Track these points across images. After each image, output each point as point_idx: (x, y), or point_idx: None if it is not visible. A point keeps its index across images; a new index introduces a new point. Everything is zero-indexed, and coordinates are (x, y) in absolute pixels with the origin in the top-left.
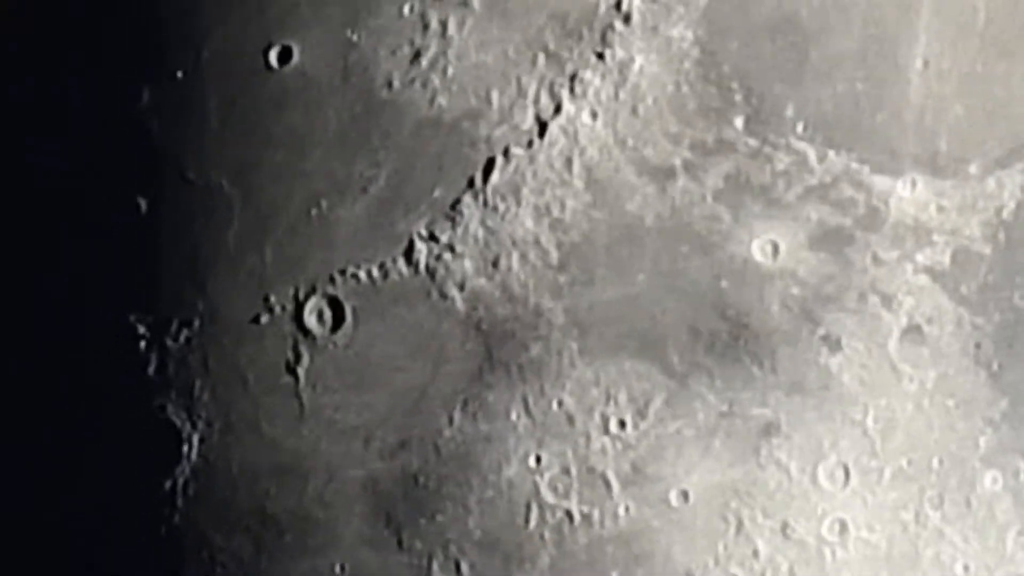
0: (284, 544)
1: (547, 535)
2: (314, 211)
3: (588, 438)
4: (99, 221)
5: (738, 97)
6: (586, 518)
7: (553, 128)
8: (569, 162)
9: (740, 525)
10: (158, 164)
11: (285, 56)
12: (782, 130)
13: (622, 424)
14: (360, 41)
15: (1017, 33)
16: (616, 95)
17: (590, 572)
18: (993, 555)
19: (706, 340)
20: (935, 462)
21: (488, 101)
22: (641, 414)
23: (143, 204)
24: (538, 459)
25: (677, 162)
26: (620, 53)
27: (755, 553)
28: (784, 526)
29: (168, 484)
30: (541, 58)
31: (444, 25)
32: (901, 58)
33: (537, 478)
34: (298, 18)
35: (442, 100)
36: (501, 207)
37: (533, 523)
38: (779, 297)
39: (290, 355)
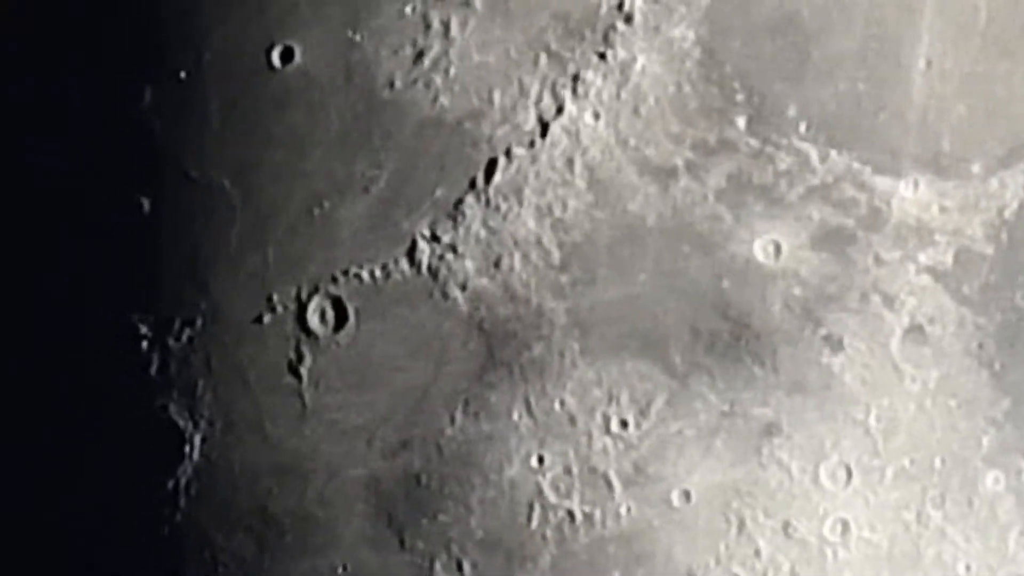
0: (285, 544)
1: (549, 535)
2: (316, 211)
3: (590, 438)
4: (99, 221)
5: (740, 97)
6: (588, 518)
7: (555, 128)
8: (571, 162)
9: (742, 525)
10: (160, 164)
11: (287, 56)
12: (784, 130)
13: (624, 424)
14: (362, 41)
15: (1019, 33)
16: (618, 95)
17: (592, 572)
18: (995, 555)
19: (708, 340)
20: (937, 462)
21: (490, 101)
22: (643, 414)
23: (145, 204)
24: (540, 459)
25: (679, 162)
26: (622, 53)
27: (757, 553)
28: (786, 526)
29: (170, 484)
30: (543, 58)
31: (446, 25)
32: (903, 58)
33: (539, 478)
34: (299, 18)
35: (444, 100)
36: (503, 207)
37: (535, 523)
38: (781, 297)
39: (292, 355)
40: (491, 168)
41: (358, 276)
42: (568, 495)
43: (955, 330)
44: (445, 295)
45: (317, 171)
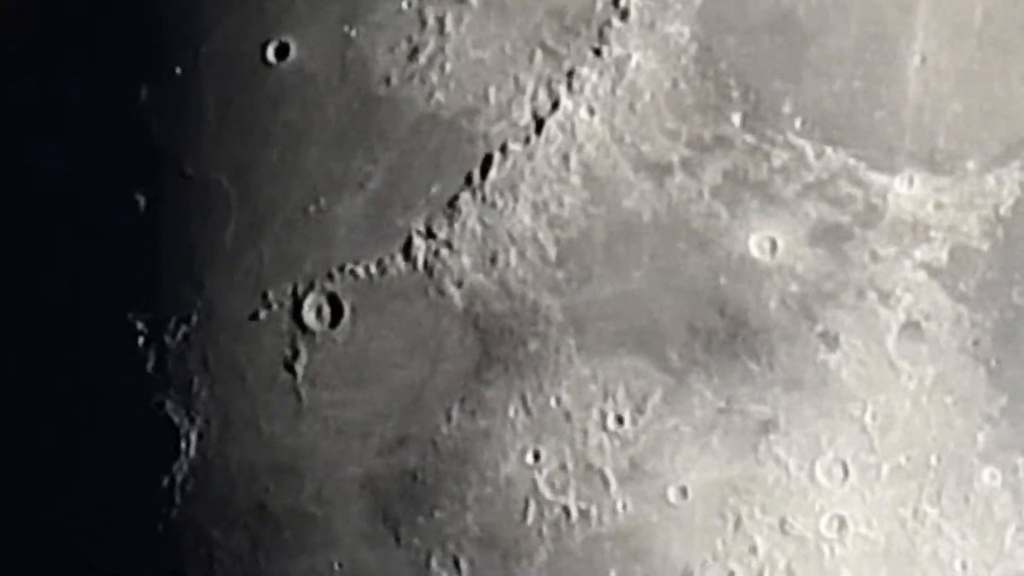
0: (282, 541)
1: (545, 531)
2: (312, 208)
3: (586, 434)
4: (99, 221)
5: (735, 93)
6: (584, 514)
7: (550, 124)
8: (566, 158)
9: (738, 521)
10: (156, 161)
11: (283, 52)
12: (780, 126)
13: (620, 420)
14: (358, 37)
15: (1015, 30)
16: (613, 91)
17: (588, 568)
18: (991, 551)
19: (704, 337)
20: (933, 459)
21: (486, 97)
22: (639, 410)
23: (142, 201)
24: (536, 455)
25: (675, 158)
26: (617, 49)
27: (753, 549)
28: (782, 522)
29: (166, 481)
30: (538, 54)
31: (441, 22)
32: (899, 55)
33: (535, 474)
34: (295, 15)
35: (440, 96)
36: (499, 203)
37: (531, 519)
38: (777, 294)
39: (288, 352)
40: (487, 164)
41: (354, 272)
42: (564, 492)
43: (951, 327)
44: (441, 291)
45: (313, 168)
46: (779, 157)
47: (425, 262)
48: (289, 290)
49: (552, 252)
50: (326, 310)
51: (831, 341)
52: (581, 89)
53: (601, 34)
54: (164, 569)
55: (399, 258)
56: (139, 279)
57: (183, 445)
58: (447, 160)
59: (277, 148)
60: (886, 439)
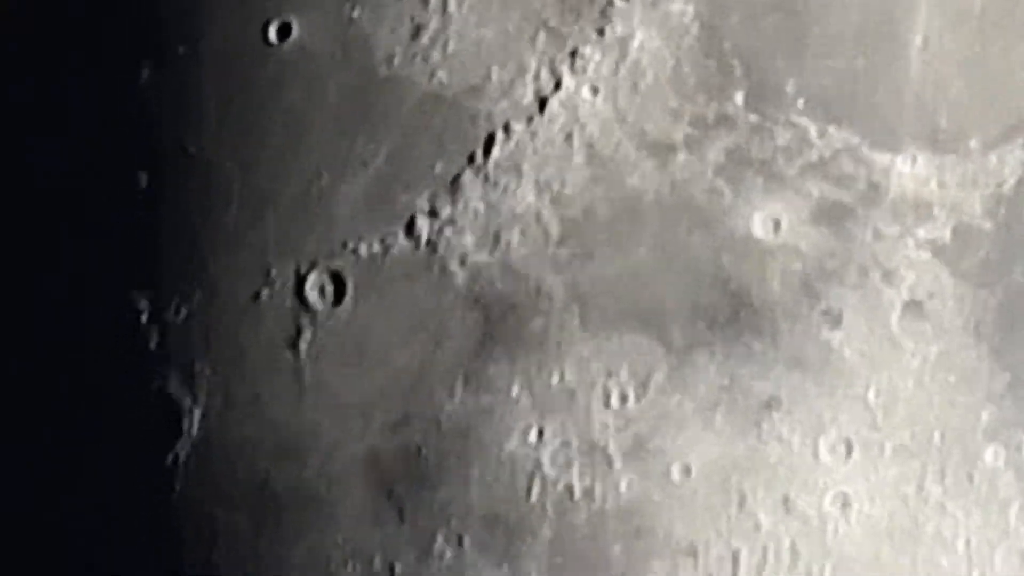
0: (285, 521)
1: (549, 509)
2: (314, 187)
3: (589, 413)
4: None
5: (739, 73)
6: (587, 493)
7: (553, 104)
8: (569, 137)
9: (742, 499)
10: (158, 141)
11: (284, 32)
12: (783, 106)
13: (623, 398)
14: (360, 17)
15: (1017, 11)
16: (616, 71)
17: (592, 546)
18: (995, 530)
19: (707, 315)
20: (937, 437)
21: (488, 77)
22: (642, 388)
23: (143, 181)
24: (539, 434)
25: (678, 137)
26: (620, 28)
27: (757, 527)
28: (786, 500)
29: (169, 461)
30: (541, 34)
31: (444, 1)
32: (901, 35)
33: (539, 453)
34: None
35: (442, 76)
36: (502, 182)
37: (535, 498)
38: (780, 272)
39: (291, 331)
40: (489, 143)
41: (356, 251)
42: (568, 470)
43: (954, 305)
44: (444, 270)
45: (315, 147)
46: (782, 136)
47: (428, 241)
48: (292, 269)
49: (555, 231)
50: (329, 289)
51: (834, 319)
52: (584, 68)
53: (604, 13)
54: (166, 549)
55: (402, 237)
56: (141, 260)
57: (185, 425)
58: (450, 139)
59: (279, 128)
60: (889, 417)
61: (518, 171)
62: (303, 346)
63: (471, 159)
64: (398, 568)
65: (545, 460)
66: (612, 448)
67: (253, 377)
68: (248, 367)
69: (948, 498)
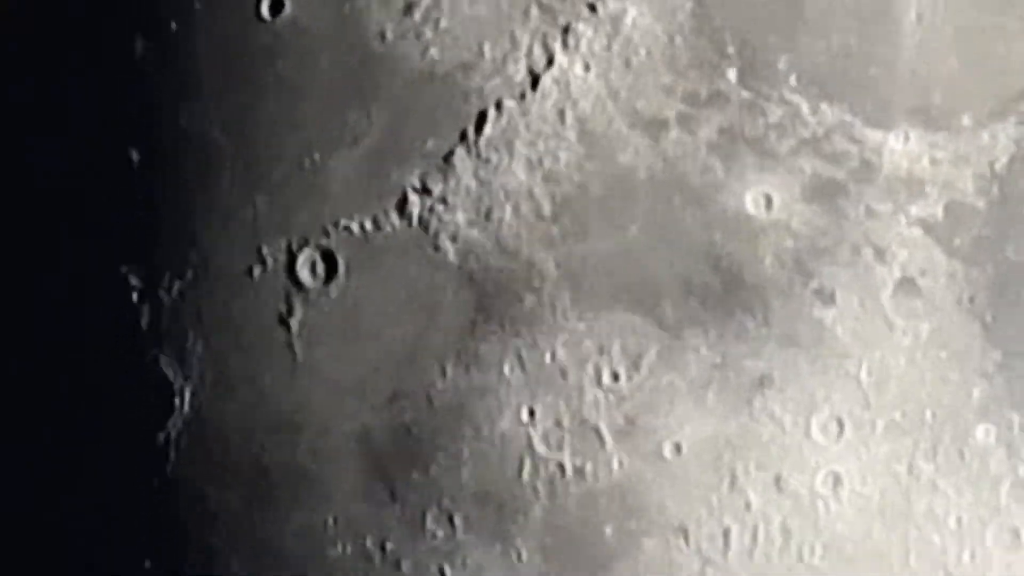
0: (277, 498)
1: (540, 488)
2: (307, 163)
3: (581, 390)
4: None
5: (731, 49)
6: (579, 471)
7: (546, 80)
8: (562, 114)
9: (733, 478)
10: (150, 116)
11: (277, 8)
12: (775, 82)
13: (615, 376)
14: None
15: None
16: (609, 47)
17: (583, 525)
18: (986, 507)
19: (699, 292)
20: (928, 415)
21: (481, 53)
22: (634, 366)
23: (135, 156)
24: (531, 412)
25: (670, 114)
26: (612, 5)
27: (748, 506)
28: (777, 479)
29: (161, 438)
30: (534, 10)
31: None
32: (894, 12)
33: (530, 431)
34: None
35: (435, 52)
36: (494, 159)
37: (526, 476)
38: (772, 250)
39: (283, 307)
40: (481, 120)
41: (348, 228)
42: (559, 448)
43: (946, 282)
44: (436, 247)
45: (308, 123)
46: (774, 113)
47: (420, 218)
48: (284, 246)
49: (547, 207)
50: (320, 266)
51: (826, 297)
52: (576, 45)
53: None
54: (159, 525)
55: (394, 214)
56: (134, 236)
57: (177, 402)
58: (442, 116)
59: (272, 104)
60: (881, 395)
61: (510, 148)
62: (295, 324)
63: (463, 136)
64: (390, 545)
65: (537, 438)
66: (604, 426)
67: (245, 355)
68: (240, 344)
69: (939, 476)
